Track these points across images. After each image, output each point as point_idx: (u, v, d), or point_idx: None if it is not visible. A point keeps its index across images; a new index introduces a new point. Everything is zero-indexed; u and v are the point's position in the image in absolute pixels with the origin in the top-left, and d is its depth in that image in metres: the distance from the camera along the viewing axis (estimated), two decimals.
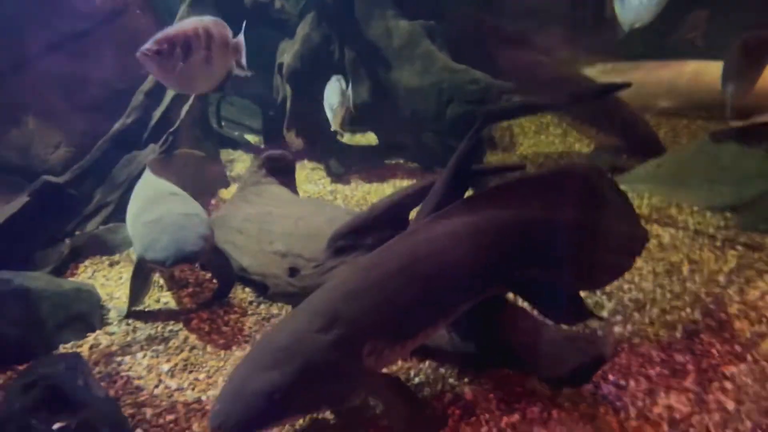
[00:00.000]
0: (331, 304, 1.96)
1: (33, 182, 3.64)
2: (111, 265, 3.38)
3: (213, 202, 4.33)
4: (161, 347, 2.44)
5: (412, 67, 4.70)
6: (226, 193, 4.47)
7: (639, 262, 2.90)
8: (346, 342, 1.87)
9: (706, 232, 3.26)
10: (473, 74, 4.49)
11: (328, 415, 1.98)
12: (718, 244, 3.12)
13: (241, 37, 2.58)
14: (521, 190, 2.32)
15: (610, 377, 2.08)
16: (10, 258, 3.18)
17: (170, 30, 2.30)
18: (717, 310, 2.48)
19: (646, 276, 2.79)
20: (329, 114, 3.74)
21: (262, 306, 2.78)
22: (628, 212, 2.49)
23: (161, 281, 3.03)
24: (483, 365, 2.14)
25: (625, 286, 2.69)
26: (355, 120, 4.10)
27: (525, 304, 2.23)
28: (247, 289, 2.93)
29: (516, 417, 1.91)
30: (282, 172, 3.76)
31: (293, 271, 2.82)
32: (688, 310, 2.50)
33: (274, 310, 2.75)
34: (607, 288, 2.63)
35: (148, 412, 2.05)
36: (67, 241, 3.57)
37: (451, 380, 2.11)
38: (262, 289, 2.88)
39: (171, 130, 4.19)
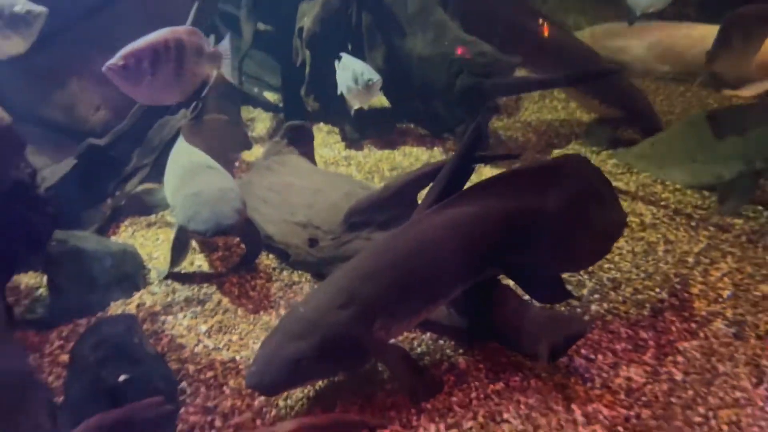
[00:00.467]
0: (349, 284, 2.25)
1: (77, 143, 3.88)
2: (148, 225, 3.67)
3: (237, 164, 4.57)
4: (198, 309, 2.75)
5: (425, 36, 4.83)
6: (248, 155, 4.70)
7: (621, 242, 3.16)
8: (361, 317, 2.16)
9: (683, 212, 3.49)
10: (482, 46, 4.62)
11: (343, 377, 2.28)
12: (693, 224, 3.36)
13: (221, 45, 2.52)
14: (514, 181, 2.57)
15: (582, 351, 2.37)
16: (61, 217, 3.46)
17: (138, 42, 2.25)
18: (681, 290, 2.75)
19: (625, 255, 3.05)
20: (345, 93, 3.89)
21: (285, 272, 3.07)
22: (611, 199, 2.73)
23: (194, 244, 3.31)
24: (475, 339, 2.44)
25: (606, 266, 2.95)
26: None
27: (514, 285, 2.49)
28: (271, 256, 3.21)
29: (501, 385, 2.21)
30: (302, 141, 3.99)
31: (312, 242, 3.09)
32: (657, 290, 2.77)
33: (296, 277, 3.03)
34: (590, 268, 2.89)
35: (191, 368, 2.37)
36: (109, 201, 3.84)
37: (447, 351, 2.41)
38: (284, 256, 3.16)
39: (201, 96, 4.38)
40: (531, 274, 2.48)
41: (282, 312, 2.71)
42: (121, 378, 2.19)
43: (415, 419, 2.07)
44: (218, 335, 2.56)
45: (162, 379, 2.27)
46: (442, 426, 2.04)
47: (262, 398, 2.18)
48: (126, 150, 4.22)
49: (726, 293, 2.72)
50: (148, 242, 3.46)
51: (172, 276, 3.04)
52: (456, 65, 4.64)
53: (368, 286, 2.23)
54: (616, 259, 3.01)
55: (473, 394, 2.18)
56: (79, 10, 4.34)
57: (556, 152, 4.53)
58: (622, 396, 2.16)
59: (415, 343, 2.47)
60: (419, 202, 2.90)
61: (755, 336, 2.45)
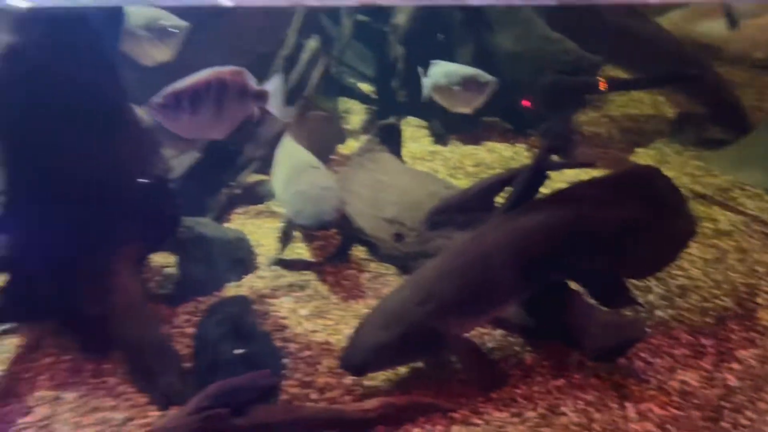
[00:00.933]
0: (428, 283, 2.49)
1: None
2: (257, 214, 4.05)
3: (333, 157, 4.87)
4: (299, 294, 3.08)
5: (513, 32, 4.90)
6: (343, 148, 4.99)
7: (693, 248, 3.19)
8: (437, 314, 2.40)
9: (761, 219, 3.45)
10: (567, 44, 4.65)
11: (421, 364, 2.54)
12: None
13: (268, 85, 2.46)
14: (585, 191, 2.70)
15: (642, 354, 2.50)
16: (187, 204, 3.89)
17: (180, 83, 2.27)
18: (748, 300, 2.78)
19: (696, 262, 3.10)
20: (435, 95, 4.04)
21: (373, 264, 3.35)
22: (681, 208, 2.79)
23: (297, 233, 3.65)
24: (542, 337, 2.61)
25: (675, 272, 3.01)
26: None
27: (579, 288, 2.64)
28: (362, 248, 3.49)
29: (562, 381, 2.39)
30: (392, 140, 4.23)
31: (398, 237, 3.35)
32: (724, 298, 2.82)
33: (382, 269, 3.30)
34: (660, 274, 2.96)
35: (293, 347, 2.70)
36: (225, 190, 4.26)
37: (516, 347, 2.61)
38: (373, 248, 3.43)
39: (304, 94, 4.71)
40: (597, 279, 2.62)
41: (370, 301, 2.99)
42: (238, 352, 2.55)
43: (483, 406, 2.30)
44: (315, 319, 2.88)
45: (270, 355, 2.61)
46: (506, 414, 2.25)
47: (351, 378, 2.47)
48: (240, 143, 4.63)
49: None
50: (257, 230, 3.84)
51: (278, 262, 3.39)
52: (541, 62, 4.68)
53: (445, 285, 2.46)
54: (686, 265, 3.06)
55: (536, 388, 2.37)
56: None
57: (639, 151, 4.51)
58: (675, 397, 2.28)
59: (486, 338, 2.67)
60: (497, 205, 3.09)
61: None
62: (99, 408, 2.44)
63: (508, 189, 3.00)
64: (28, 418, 2.40)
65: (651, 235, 2.68)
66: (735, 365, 2.42)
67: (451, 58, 4.12)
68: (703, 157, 4.21)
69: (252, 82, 2.35)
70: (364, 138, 4.93)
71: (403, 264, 3.28)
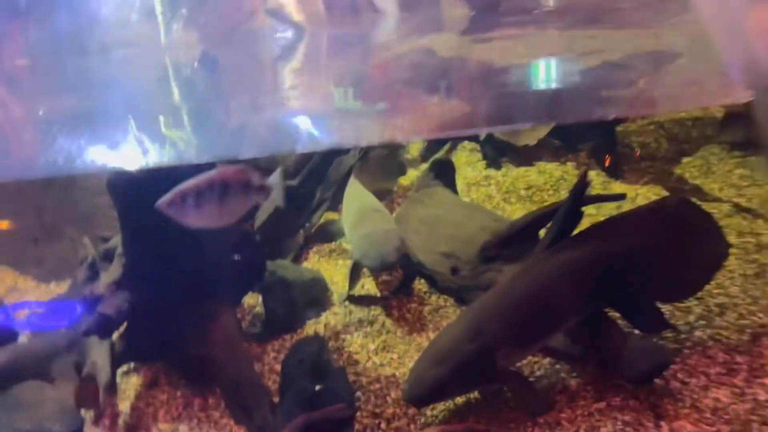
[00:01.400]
0: (476, 320, 2.74)
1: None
2: (330, 252, 4.42)
3: (395, 189, 5.18)
4: (369, 329, 3.41)
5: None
6: (403, 179, 5.29)
7: (734, 264, 3.25)
8: (486, 349, 2.64)
9: None
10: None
11: (476, 394, 2.80)
12: None
13: (271, 179, 2.67)
14: (619, 225, 2.87)
15: (678, 375, 2.63)
16: (269, 249, 4.32)
17: (187, 183, 2.48)
18: None
19: (736, 279, 3.16)
20: None
21: (433, 297, 3.62)
22: (712, 233, 2.89)
23: (364, 270, 3.98)
24: (585, 364, 2.81)
25: (714, 291, 3.10)
26: None
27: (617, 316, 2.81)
28: (422, 281, 3.78)
29: (603, 404, 2.58)
30: (445, 174, 4.49)
31: (454, 271, 3.60)
32: (760, 315, 2.89)
33: (441, 301, 3.57)
34: (700, 294, 3.06)
35: (363, 380, 3.03)
36: (301, 231, 4.67)
37: (562, 374, 2.81)
38: (433, 281, 3.71)
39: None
40: (633, 307, 2.78)
41: (431, 334, 3.27)
42: (317, 388, 2.91)
43: (530, 429, 2.53)
44: (383, 353, 3.19)
45: (344, 389, 2.95)
46: None
47: (414, 408, 2.76)
48: (313, 186, 5.03)
49: None
50: (331, 267, 4.21)
51: (349, 299, 3.73)
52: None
53: (492, 322, 2.71)
54: (726, 283, 3.14)
55: (579, 411, 2.57)
56: None
57: (685, 161, 4.53)
58: (708, 414, 2.42)
59: (536, 367, 2.89)
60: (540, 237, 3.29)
61: None
62: None
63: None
64: None
65: (683, 261, 2.81)
66: (766, 380, 2.52)
67: None
68: (749, 164, 4.19)
69: (255, 177, 2.60)
70: (423, 167, 5.22)
71: (460, 296, 3.54)
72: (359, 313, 3.57)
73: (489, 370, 2.64)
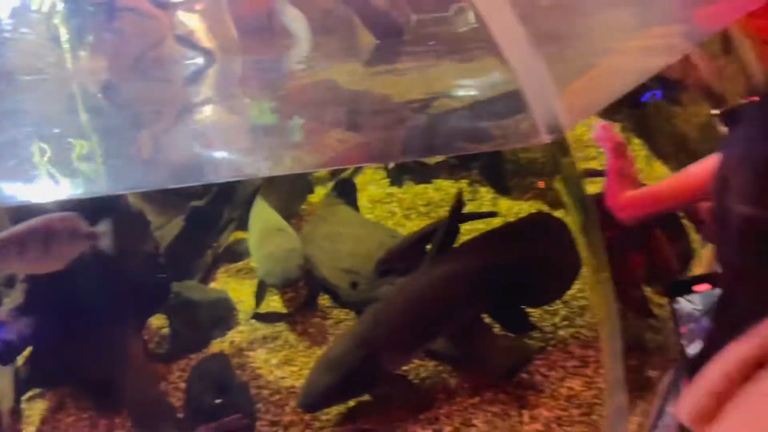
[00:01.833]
0: (365, 329, 3.09)
1: (183, 199, 4.89)
2: (237, 271, 4.66)
3: (303, 207, 5.48)
4: (272, 345, 3.68)
5: None
6: (312, 197, 5.59)
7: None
8: (373, 356, 2.98)
9: None
10: None
11: (367, 396, 3.13)
12: None
13: (100, 226, 2.86)
14: (491, 238, 3.31)
15: (541, 370, 3.08)
16: (175, 269, 4.50)
17: (8, 231, 2.58)
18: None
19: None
20: None
21: (336, 311, 3.95)
22: (571, 246, 3.38)
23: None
24: (464, 364, 3.21)
25: (578, 295, 3.59)
26: None
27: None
28: (326, 296, 4.09)
29: (477, 399, 2.98)
30: (348, 193, 4.84)
31: (354, 285, 3.94)
32: None
33: (343, 315, 3.90)
34: (566, 297, 3.53)
35: (265, 392, 3.30)
36: (209, 251, 4.87)
37: (444, 375, 3.20)
38: (334, 296, 4.03)
39: None
40: (503, 312, 3.22)
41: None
42: (217, 401, 3.16)
43: (412, 427, 2.89)
44: (285, 366, 3.48)
45: (245, 401, 3.21)
46: (429, 430, 2.85)
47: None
48: (219, 206, 5.23)
49: None
50: (239, 286, 4.44)
51: (255, 316, 3.99)
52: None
53: (379, 330, 3.06)
54: (587, 287, 3.63)
55: (455, 407, 2.96)
56: None
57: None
58: (562, 401, 2.87)
59: (421, 369, 3.26)
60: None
61: None
62: None
63: None
64: None
65: (547, 270, 3.27)
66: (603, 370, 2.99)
67: None
68: None
69: (82, 225, 2.74)
70: (330, 185, 5.54)
71: (359, 309, 3.87)
72: (264, 329, 3.84)
73: (376, 374, 2.98)
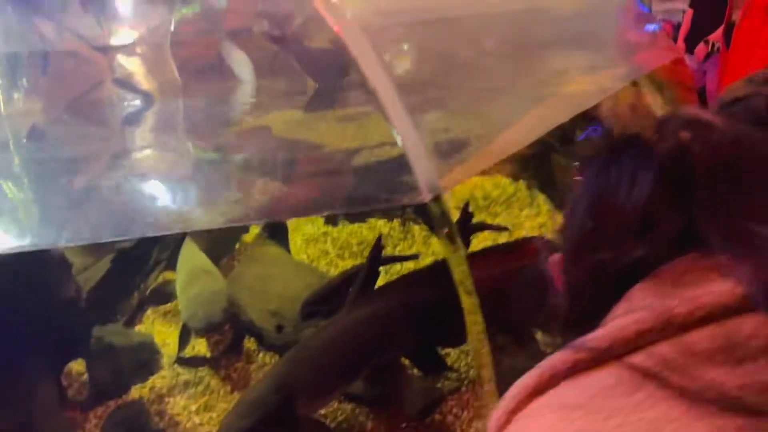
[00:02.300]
0: (281, 373, 3.19)
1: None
2: (164, 314, 4.70)
3: (237, 246, 5.57)
4: (192, 390, 3.74)
5: None
6: (246, 236, 5.69)
7: None
8: (288, 400, 3.09)
9: None
10: None
11: None
12: None
13: None
14: (406, 282, 3.48)
15: (454, 410, 3.24)
16: (99, 312, 4.51)
17: None
18: None
19: None
20: None
21: (261, 354, 4.03)
22: None
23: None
24: (381, 406, 3.34)
25: None
26: None
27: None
28: (252, 339, 4.18)
29: None
30: (279, 234, 4.97)
31: (279, 329, 4.04)
32: None
33: (268, 359, 3.99)
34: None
35: None
36: (136, 294, 4.90)
37: (360, 417, 3.33)
38: (260, 340, 4.12)
39: None
40: (418, 353, 3.38)
41: None
42: None
43: None
44: (203, 413, 3.54)
45: None
46: None
47: None
48: (148, 246, 5.28)
49: None
50: (165, 329, 4.49)
51: (178, 361, 4.04)
52: None
53: (295, 374, 3.17)
54: None
55: None
56: None
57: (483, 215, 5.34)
58: None
59: (339, 412, 3.38)
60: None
61: None
62: None
63: None
64: None
65: (461, 311, 3.46)
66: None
67: None
68: None
69: None
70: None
71: (283, 352, 3.97)
72: (186, 374, 3.89)
73: (291, 419, 3.08)
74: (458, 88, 3.81)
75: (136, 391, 3.82)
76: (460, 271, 2.21)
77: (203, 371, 3.91)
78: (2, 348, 3.49)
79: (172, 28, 4.08)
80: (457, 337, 3.53)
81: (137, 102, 4.16)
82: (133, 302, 4.80)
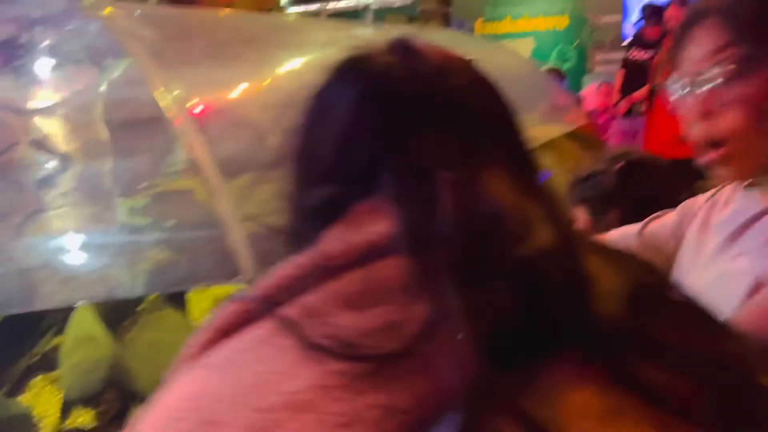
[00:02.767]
0: None
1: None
2: (54, 381, 4.61)
3: (139, 308, 5.52)
4: None
5: None
6: (151, 297, 5.65)
7: None
8: None
9: None
10: None
11: None
12: None
13: None
14: None
15: None
16: None
17: None
18: None
19: None
20: None
21: None
22: None
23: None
24: None
25: None
26: None
27: None
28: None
29: None
30: (176, 296, 4.98)
31: None
32: None
33: None
34: None
35: None
36: (23, 360, 4.78)
37: None
38: None
39: None
40: None
41: None
42: None
43: None
44: None
45: None
46: None
47: None
48: (41, 311, 5.17)
49: None
50: (51, 398, 4.40)
51: None
52: None
53: None
54: None
55: None
56: None
57: None
58: None
59: None
60: None
61: None
62: None
63: None
64: None
65: None
66: None
67: None
68: None
69: None
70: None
71: None
72: None
73: None
74: None
75: None
76: None
77: None
78: None
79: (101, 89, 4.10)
80: None
81: (54, 164, 4.12)
82: (20, 369, 4.69)
